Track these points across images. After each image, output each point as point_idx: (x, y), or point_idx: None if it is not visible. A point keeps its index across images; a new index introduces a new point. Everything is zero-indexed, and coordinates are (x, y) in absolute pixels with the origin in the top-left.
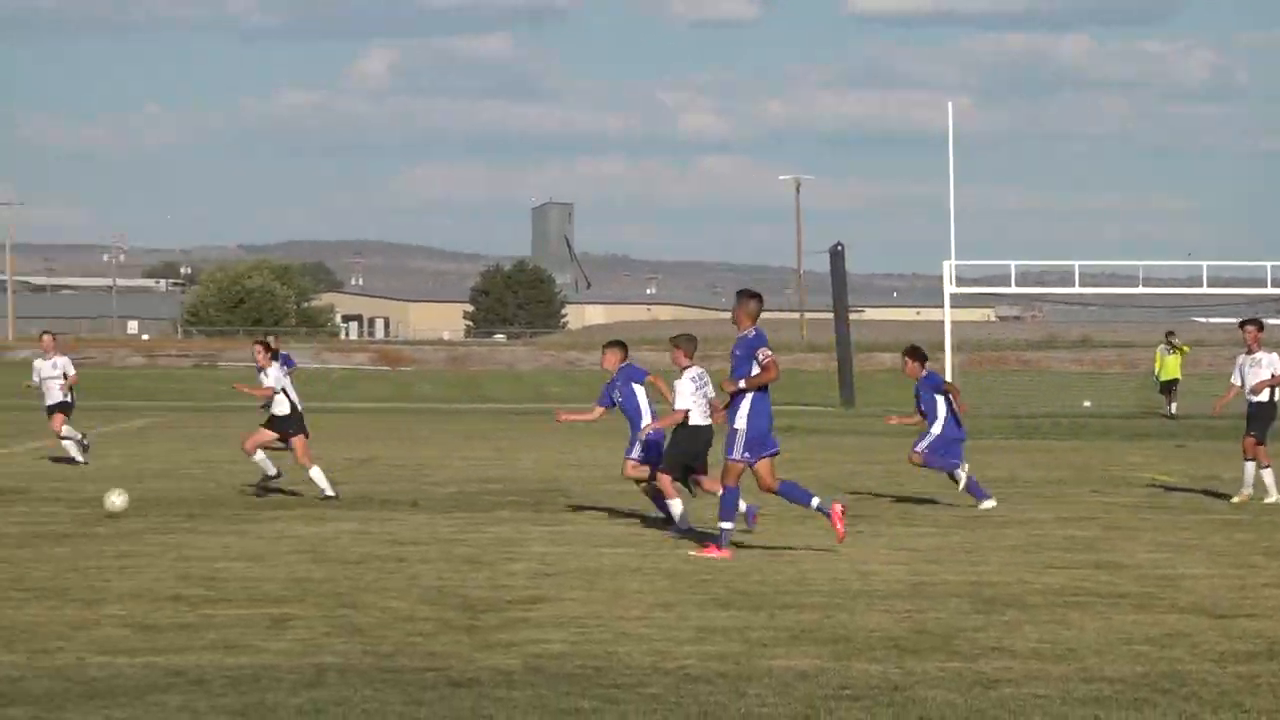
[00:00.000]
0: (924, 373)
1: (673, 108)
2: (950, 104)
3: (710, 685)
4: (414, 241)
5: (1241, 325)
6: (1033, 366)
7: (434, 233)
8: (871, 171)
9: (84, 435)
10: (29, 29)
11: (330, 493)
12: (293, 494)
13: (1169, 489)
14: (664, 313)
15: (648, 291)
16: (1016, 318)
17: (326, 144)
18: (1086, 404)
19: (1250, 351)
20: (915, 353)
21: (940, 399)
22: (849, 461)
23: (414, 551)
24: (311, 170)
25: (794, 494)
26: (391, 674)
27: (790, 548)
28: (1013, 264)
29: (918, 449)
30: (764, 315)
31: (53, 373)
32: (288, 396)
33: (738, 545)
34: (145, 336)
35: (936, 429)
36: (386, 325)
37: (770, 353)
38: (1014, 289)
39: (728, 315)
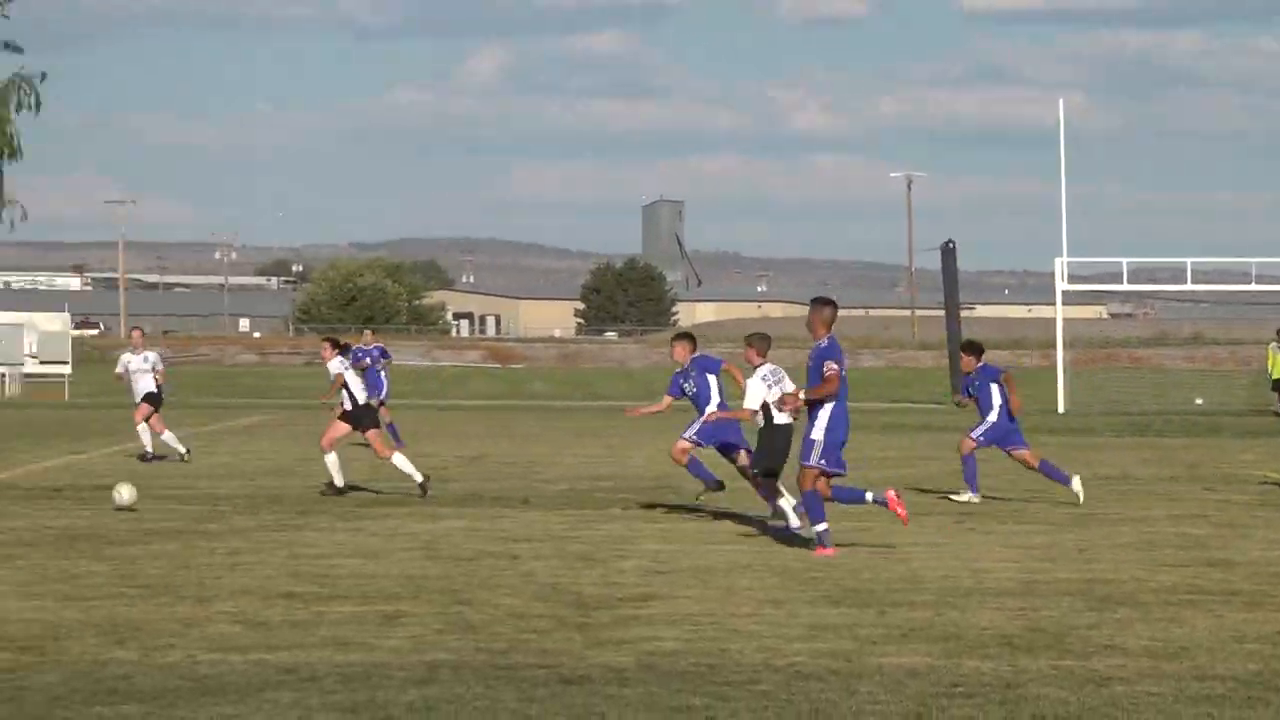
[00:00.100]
0: (980, 364)
1: (783, 105)
2: (1061, 101)
3: (821, 682)
4: (525, 239)
5: None
6: (1144, 363)
7: (545, 230)
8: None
9: (187, 451)
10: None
11: (419, 477)
12: (376, 491)
13: None
14: (774, 310)
15: (758, 289)
16: (1128, 315)
17: (438, 142)
18: (1198, 401)
19: None
20: (972, 347)
21: (995, 389)
22: (959, 459)
23: (526, 549)
24: (423, 168)
25: (847, 496)
26: (504, 671)
27: (901, 545)
28: (1124, 261)
29: (973, 435)
30: (876, 312)
31: (143, 365)
32: (348, 390)
33: (850, 545)
34: (257, 334)
35: (993, 417)
36: (498, 323)
37: (835, 366)
38: (1126, 286)
39: (840, 312)
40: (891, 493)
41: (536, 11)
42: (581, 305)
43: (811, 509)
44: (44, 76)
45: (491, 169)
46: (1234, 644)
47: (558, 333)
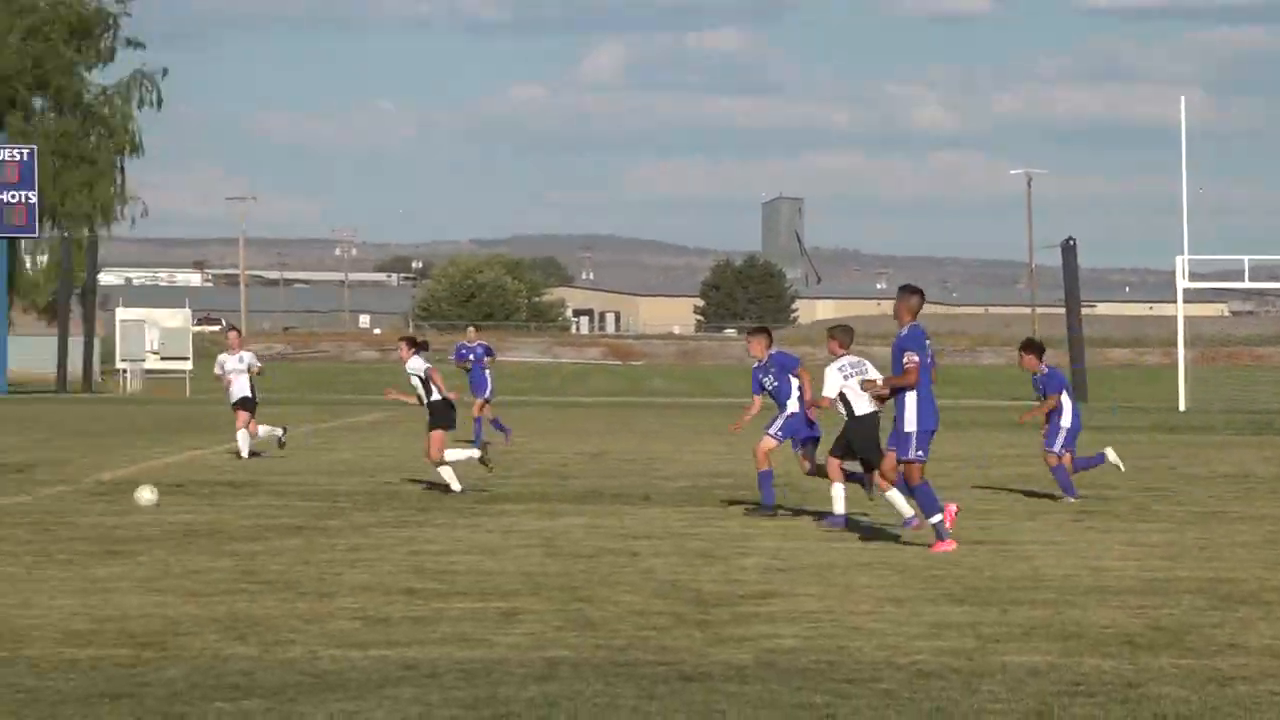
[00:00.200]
0: (1044, 368)
1: (903, 101)
2: (1183, 98)
3: (942, 681)
4: (644, 236)
5: None
6: (1265, 362)
7: (664, 227)
8: (1103, 166)
9: (284, 431)
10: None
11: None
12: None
13: None
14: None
15: (878, 286)
16: (1250, 313)
17: (557, 139)
18: None
19: None
20: (1032, 346)
21: (1064, 393)
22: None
23: (646, 545)
24: (542, 165)
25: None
26: (623, 668)
27: (1021, 543)
28: (1246, 259)
29: (1055, 449)
30: (996, 310)
31: (238, 366)
32: (429, 387)
33: (972, 543)
34: (377, 330)
35: (1066, 422)
36: (617, 320)
37: (915, 357)
38: (1247, 284)
39: (959, 311)
40: (953, 508)
41: (656, 8)
42: (701, 302)
43: (925, 502)
44: (165, 73)
45: (611, 166)
46: None
47: (677, 330)
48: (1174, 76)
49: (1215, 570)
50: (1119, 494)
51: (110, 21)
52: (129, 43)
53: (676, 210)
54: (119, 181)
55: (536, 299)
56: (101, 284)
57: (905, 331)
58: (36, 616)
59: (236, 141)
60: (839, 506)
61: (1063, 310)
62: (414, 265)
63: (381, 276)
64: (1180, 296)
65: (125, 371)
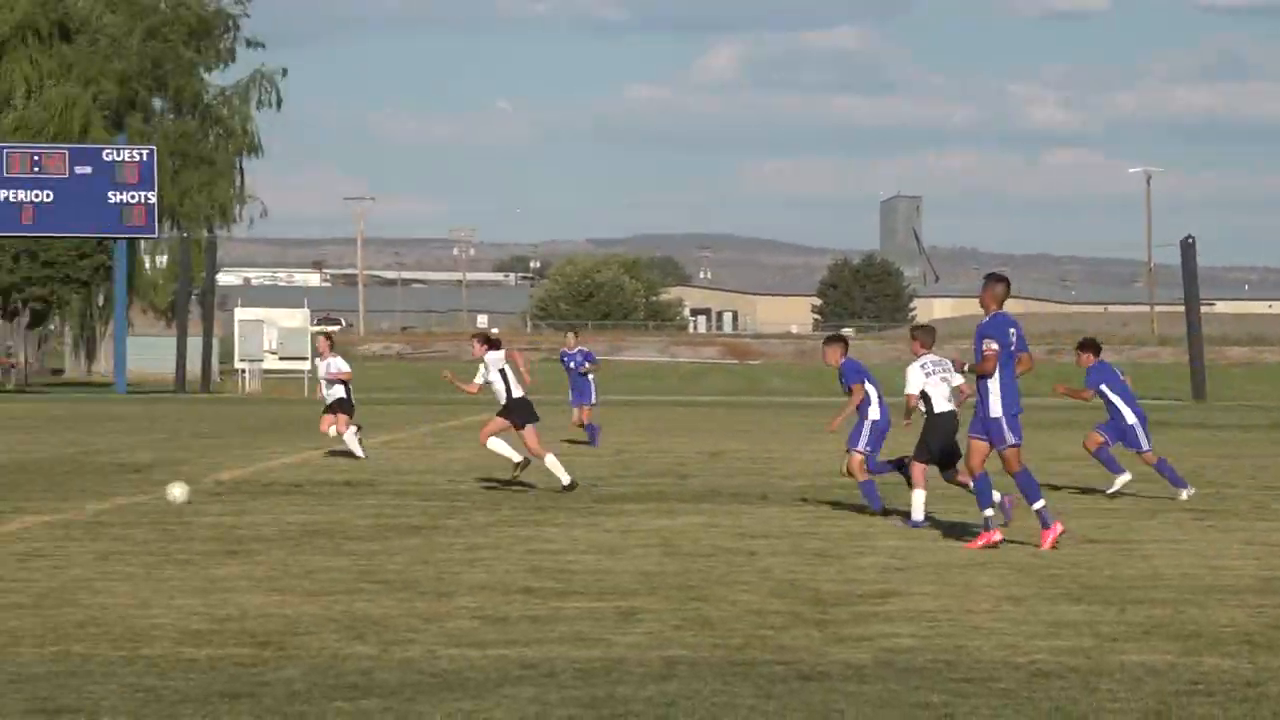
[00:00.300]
0: (1096, 363)
1: (1021, 100)
2: None
3: (1061, 680)
4: (762, 235)
5: None
6: None
7: (782, 226)
8: (1222, 163)
9: (359, 429)
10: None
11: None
12: (527, 485)
13: None
14: (1012, 306)
15: None
16: None
17: (674, 138)
18: None
19: None
20: (1089, 344)
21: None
22: (1199, 455)
23: (764, 545)
24: (660, 164)
25: (983, 490)
26: (741, 667)
27: (1140, 542)
28: None
29: (1147, 451)
30: (1115, 309)
31: (326, 372)
32: (499, 384)
33: (1090, 541)
34: (495, 330)
35: (1131, 418)
36: (735, 319)
37: (995, 345)
38: None
39: (1078, 309)
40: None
41: (773, 7)
42: (819, 301)
43: (1028, 489)
44: (285, 73)
45: (728, 165)
46: None
47: (795, 329)
48: None
49: None
50: (1238, 492)
51: (230, 22)
52: (249, 43)
53: (794, 209)
54: (238, 182)
55: (654, 298)
56: (220, 284)
57: (987, 319)
58: (156, 616)
59: (355, 142)
60: (918, 513)
61: (1181, 308)
62: (532, 265)
63: (499, 276)
64: None
65: (243, 372)
